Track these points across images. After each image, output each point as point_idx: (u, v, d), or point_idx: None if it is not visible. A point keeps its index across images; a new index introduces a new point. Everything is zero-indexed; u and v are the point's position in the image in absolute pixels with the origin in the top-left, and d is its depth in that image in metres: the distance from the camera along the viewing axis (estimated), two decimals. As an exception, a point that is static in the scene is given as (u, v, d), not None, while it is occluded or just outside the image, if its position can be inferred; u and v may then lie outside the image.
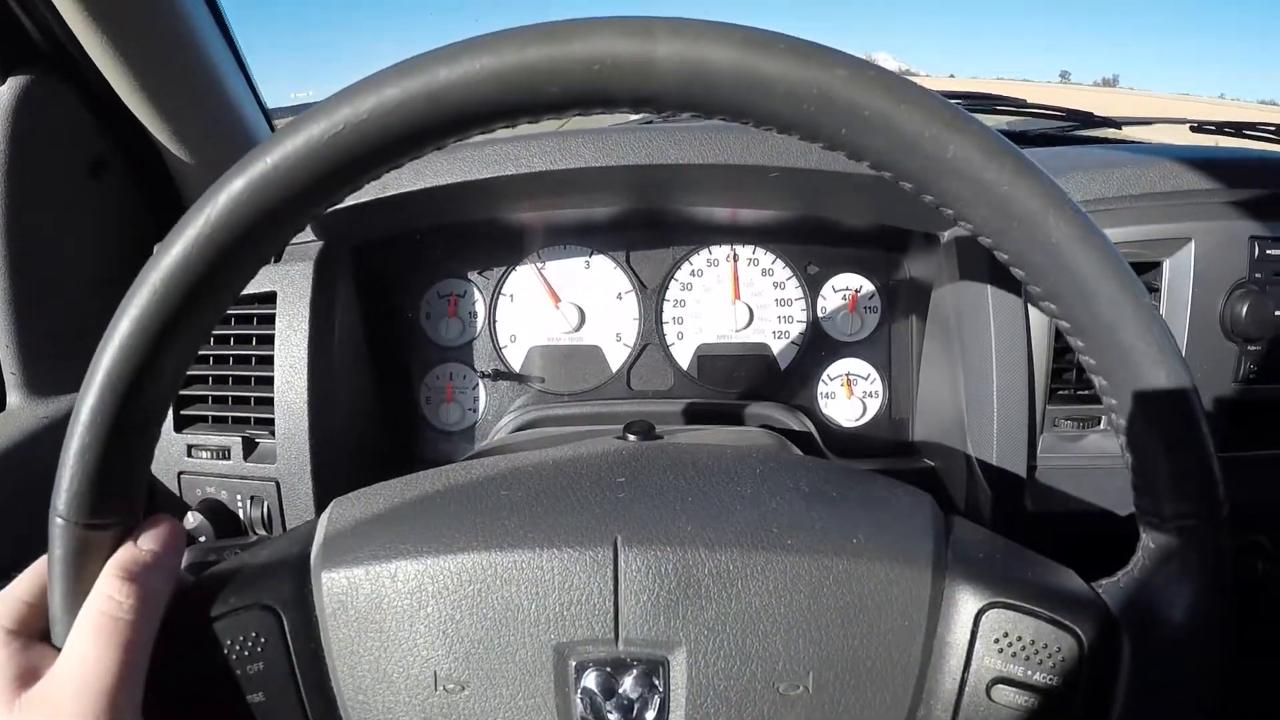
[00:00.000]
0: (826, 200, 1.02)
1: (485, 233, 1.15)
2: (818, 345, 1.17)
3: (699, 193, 1.03)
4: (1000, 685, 0.51)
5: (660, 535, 0.52)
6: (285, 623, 0.52)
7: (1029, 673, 0.51)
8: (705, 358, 1.16)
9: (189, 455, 1.02)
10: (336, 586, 0.52)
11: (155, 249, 0.46)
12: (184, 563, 0.66)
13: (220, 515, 1.01)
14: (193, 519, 0.99)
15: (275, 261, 1.01)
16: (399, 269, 1.16)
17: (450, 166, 0.91)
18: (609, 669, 0.51)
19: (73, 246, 1.09)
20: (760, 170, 0.90)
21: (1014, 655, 0.51)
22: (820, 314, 1.17)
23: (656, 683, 0.51)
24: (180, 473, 1.02)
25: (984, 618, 0.51)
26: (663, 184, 0.99)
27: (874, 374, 1.16)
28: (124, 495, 0.50)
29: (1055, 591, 0.52)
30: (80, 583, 0.49)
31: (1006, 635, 0.51)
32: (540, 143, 0.91)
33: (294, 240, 1.02)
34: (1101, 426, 0.99)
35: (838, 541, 0.53)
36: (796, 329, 1.16)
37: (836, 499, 0.57)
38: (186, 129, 1.09)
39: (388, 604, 0.52)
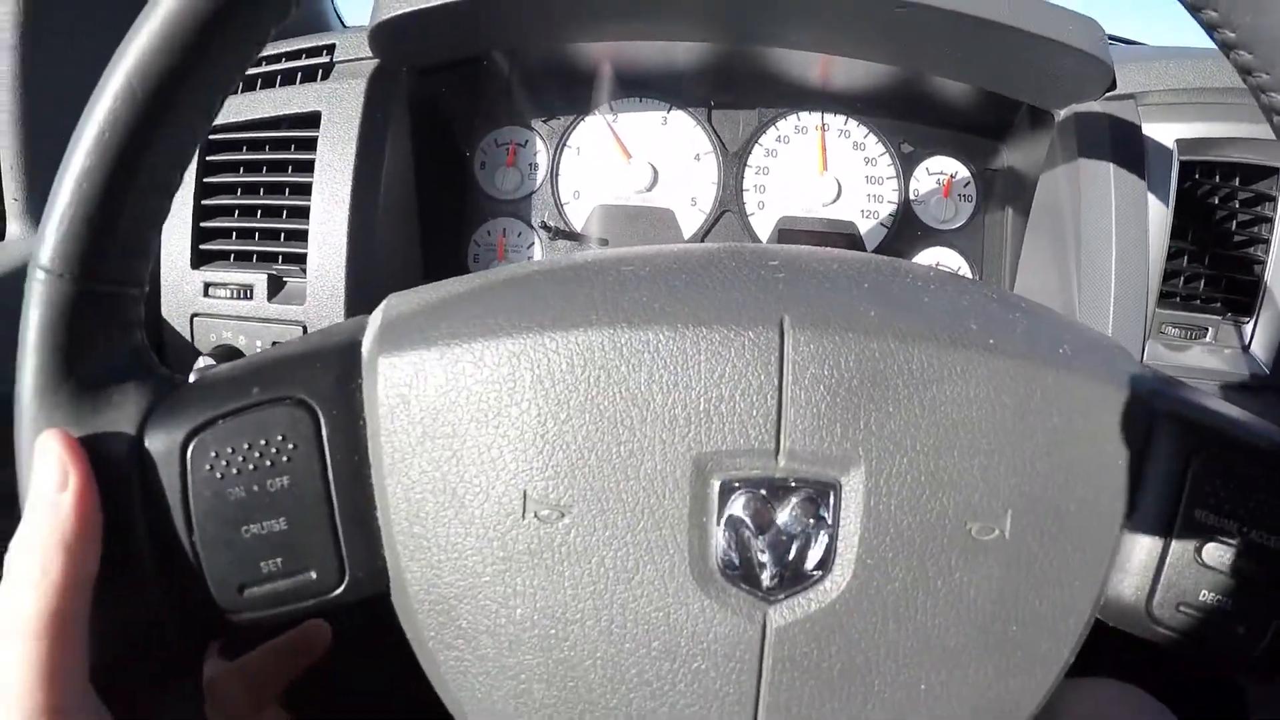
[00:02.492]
0: (944, 55, 0.92)
1: (552, 77, 1.05)
2: (908, 229, 1.08)
3: (801, 30, 0.92)
4: (1213, 544, 0.43)
5: (839, 318, 0.41)
6: (323, 424, 0.41)
7: (1245, 529, 0.43)
8: (786, 231, 1.06)
9: (205, 294, 0.91)
10: (398, 376, 0.40)
11: None
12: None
13: (235, 362, 0.91)
14: (203, 364, 0.89)
15: (323, 79, 0.90)
16: (457, 107, 1.05)
17: None
18: (764, 492, 0.40)
19: (91, 60, 0.99)
20: (886, 2, 0.79)
21: (1231, 509, 0.43)
22: (912, 196, 1.08)
23: (824, 513, 0.40)
24: (194, 314, 0.92)
25: (1194, 462, 0.43)
26: (763, 12, 0.89)
27: (965, 267, 1.08)
28: (130, 251, 0.40)
29: (1271, 440, 0.44)
30: (65, 358, 0.39)
31: (1223, 484, 0.43)
32: None
33: (345, 57, 0.92)
34: (1207, 339, 0.92)
35: (1045, 349, 0.42)
36: (886, 210, 1.07)
37: (1029, 310, 0.47)
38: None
39: (467, 398, 0.40)
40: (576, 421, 0.40)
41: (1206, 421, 0.44)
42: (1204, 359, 0.90)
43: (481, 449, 0.40)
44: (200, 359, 0.90)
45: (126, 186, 0.38)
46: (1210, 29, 0.40)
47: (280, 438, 0.40)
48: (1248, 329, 0.92)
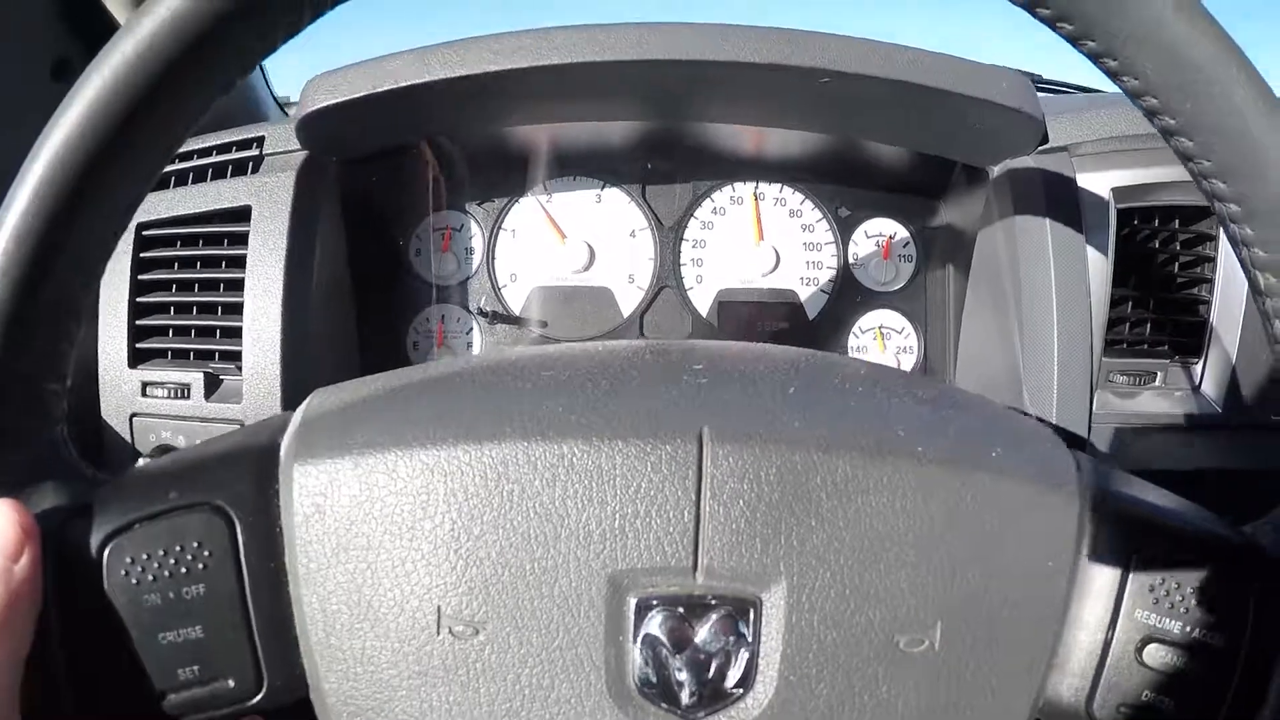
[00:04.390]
0: (872, 120, 0.92)
1: (485, 160, 1.04)
2: (849, 293, 1.07)
3: (735, 105, 0.92)
4: (1155, 645, 0.41)
5: (760, 429, 0.40)
6: (239, 531, 0.40)
7: (1186, 628, 0.41)
8: (726, 304, 1.06)
9: (143, 394, 0.89)
10: (312, 484, 0.40)
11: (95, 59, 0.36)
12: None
13: (175, 464, 0.89)
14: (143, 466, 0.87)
15: (253, 172, 0.89)
16: (390, 195, 1.04)
17: (459, 57, 0.79)
18: (681, 610, 0.39)
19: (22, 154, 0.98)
20: (810, 74, 0.79)
21: (1170, 608, 0.41)
22: (851, 260, 1.07)
23: (744, 631, 0.39)
24: (133, 414, 0.90)
25: (1134, 561, 0.42)
26: (699, 91, 0.88)
27: (909, 327, 1.07)
28: (48, 344, 0.39)
29: (1210, 533, 0.43)
30: None
31: (1162, 583, 0.41)
32: (566, 34, 0.79)
33: (274, 149, 0.91)
34: (1156, 383, 0.91)
35: (976, 453, 0.42)
36: (826, 275, 1.07)
37: (959, 407, 0.46)
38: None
39: (381, 510, 0.39)
40: (490, 537, 0.39)
41: (1148, 518, 0.43)
42: (1154, 403, 0.90)
43: (396, 562, 0.39)
44: (140, 461, 0.88)
45: (44, 278, 0.37)
46: (1150, 115, 0.40)
47: (196, 544, 0.39)
48: (1197, 370, 0.92)
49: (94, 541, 0.39)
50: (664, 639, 0.39)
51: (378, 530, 0.39)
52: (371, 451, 0.40)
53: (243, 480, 0.41)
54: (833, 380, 0.46)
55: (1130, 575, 0.42)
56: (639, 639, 0.39)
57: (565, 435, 0.39)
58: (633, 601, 0.39)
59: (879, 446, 0.40)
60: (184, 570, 0.39)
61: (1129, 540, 0.42)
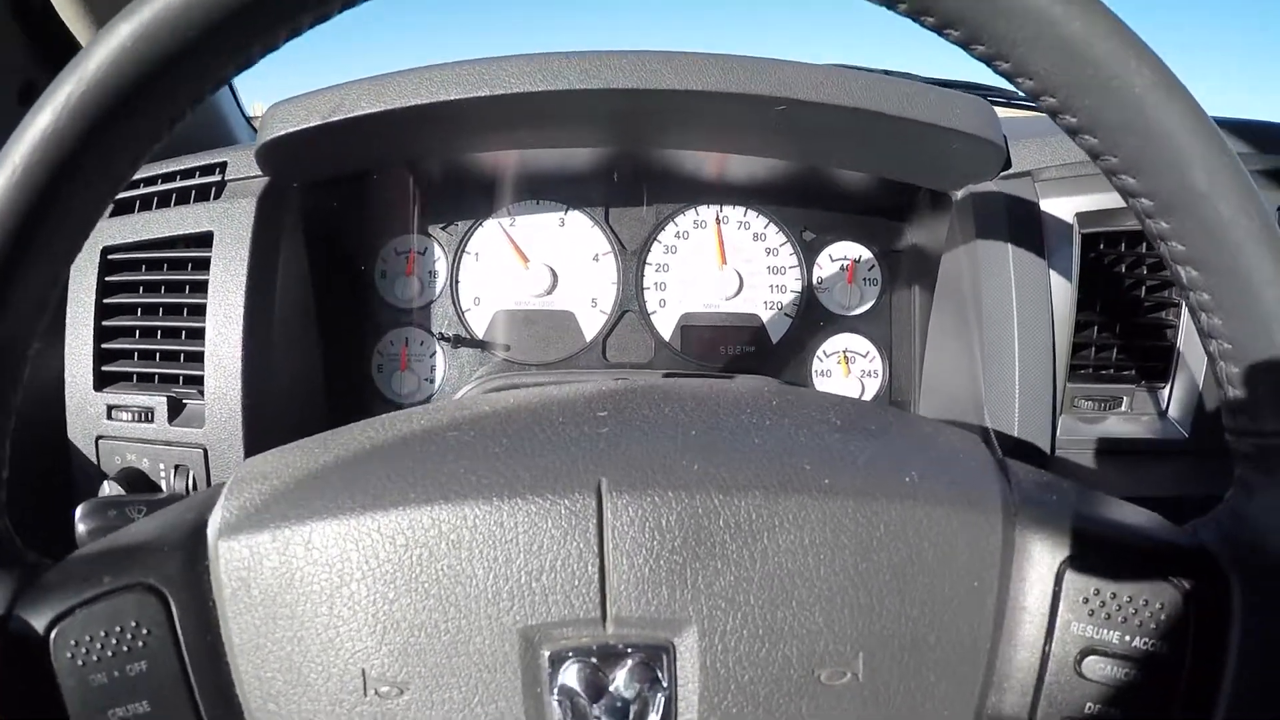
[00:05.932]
0: (830, 147, 0.92)
1: (449, 184, 1.04)
2: (813, 318, 1.07)
3: (692, 132, 0.92)
4: (1092, 656, 0.41)
5: (658, 476, 0.41)
6: (174, 607, 0.41)
7: (1126, 638, 0.41)
8: (689, 328, 1.06)
9: (109, 417, 0.90)
10: (236, 559, 0.41)
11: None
12: (78, 518, 0.55)
13: (139, 487, 0.89)
14: (108, 489, 0.87)
15: (216, 198, 0.89)
16: (353, 219, 1.04)
17: (414, 86, 0.80)
18: (595, 660, 0.40)
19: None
20: (764, 102, 0.79)
21: (1107, 618, 0.41)
22: (815, 284, 1.07)
23: (660, 675, 0.39)
24: (98, 437, 0.91)
25: (1067, 573, 0.41)
26: (653, 119, 0.89)
27: (873, 351, 1.07)
28: None
29: (1147, 537, 0.43)
30: None
31: (1097, 593, 0.41)
32: (518, 63, 0.79)
33: (236, 175, 0.91)
34: (1122, 408, 0.91)
35: (888, 480, 0.42)
36: (789, 299, 1.07)
37: (876, 433, 0.46)
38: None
39: (301, 581, 0.40)
40: (405, 600, 0.40)
41: (1077, 528, 0.43)
42: (1120, 428, 0.89)
43: (320, 629, 0.40)
44: (105, 484, 0.88)
45: None
46: (1052, 115, 0.40)
47: (134, 624, 0.40)
48: (1164, 394, 0.91)
49: (39, 627, 0.40)
50: (580, 690, 0.39)
51: (300, 599, 0.40)
52: (288, 524, 0.41)
53: (173, 559, 0.42)
54: (740, 416, 0.46)
55: (1062, 586, 0.41)
56: (555, 690, 0.39)
57: (465, 496, 0.40)
58: (546, 654, 0.40)
59: (782, 483, 0.41)
60: (125, 649, 0.40)
61: (1059, 553, 0.42)
